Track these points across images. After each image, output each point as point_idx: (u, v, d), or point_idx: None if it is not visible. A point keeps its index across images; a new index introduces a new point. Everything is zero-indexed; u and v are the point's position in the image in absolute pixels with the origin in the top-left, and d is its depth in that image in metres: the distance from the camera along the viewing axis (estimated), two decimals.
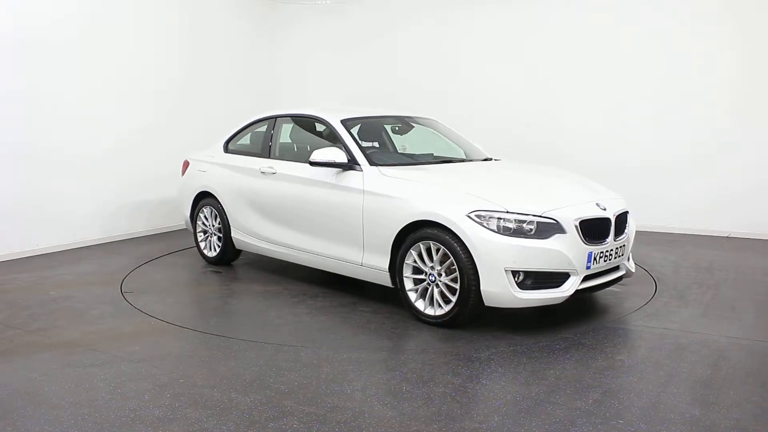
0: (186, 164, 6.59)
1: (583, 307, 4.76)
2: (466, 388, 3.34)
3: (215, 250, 6.19)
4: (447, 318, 4.22)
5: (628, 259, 4.77)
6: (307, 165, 5.03)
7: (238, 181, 5.82)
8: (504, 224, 4.02)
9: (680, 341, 4.02)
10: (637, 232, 7.71)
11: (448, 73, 9.05)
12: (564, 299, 4.11)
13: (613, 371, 3.56)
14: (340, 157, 4.84)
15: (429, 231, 4.23)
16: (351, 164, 4.85)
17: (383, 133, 5.96)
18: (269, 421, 2.97)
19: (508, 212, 4.05)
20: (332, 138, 5.28)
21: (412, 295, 4.40)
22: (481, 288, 4.04)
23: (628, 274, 4.71)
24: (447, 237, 4.12)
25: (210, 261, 6.27)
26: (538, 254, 4.00)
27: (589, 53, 8.18)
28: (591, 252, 4.17)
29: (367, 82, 9.55)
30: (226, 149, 6.24)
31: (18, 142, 6.46)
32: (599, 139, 8.23)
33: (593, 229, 4.22)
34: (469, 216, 4.06)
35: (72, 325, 4.42)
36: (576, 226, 4.11)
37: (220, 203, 6.01)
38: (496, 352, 3.85)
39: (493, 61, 8.78)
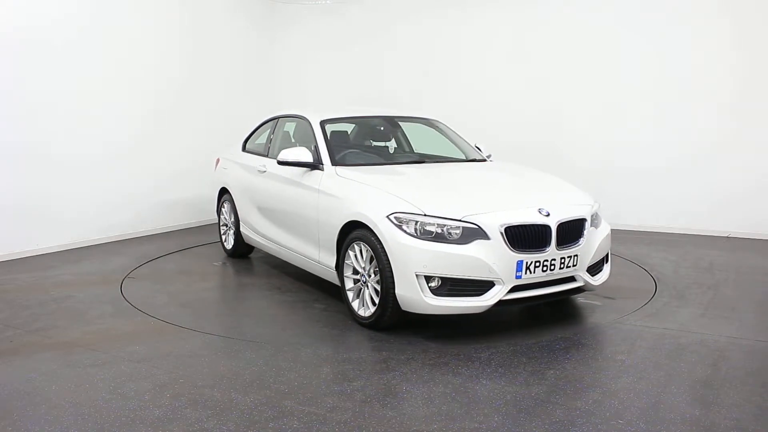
0: (217, 161, 6.97)
1: (582, 308, 4.76)
2: (466, 388, 3.34)
3: (231, 243, 6.54)
4: (372, 320, 4.20)
5: (600, 270, 4.51)
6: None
7: (246, 179, 6.07)
8: (423, 228, 3.91)
9: (680, 341, 4.02)
10: (637, 232, 7.76)
11: (447, 73, 9.05)
12: (484, 309, 3.92)
13: (613, 371, 3.56)
14: (305, 156, 4.95)
15: (359, 232, 4.24)
16: (316, 164, 4.96)
17: (374, 133, 6.01)
18: (269, 421, 2.97)
19: (425, 215, 3.94)
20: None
21: (350, 295, 4.42)
22: (396, 291, 3.97)
23: (588, 287, 4.36)
24: (372, 238, 4.10)
25: (228, 253, 6.63)
26: (453, 260, 3.83)
27: (590, 53, 8.18)
28: (521, 261, 3.91)
29: (366, 81, 9.54)
30: (244, 148, 6.56)
31: (18, 142, 6.45)
32: (599, 139, 8.23)
33: (526, 237, 3.95)
34: (388, 218, 4.01)
35: (72, 325, 4.42)
36: (501, 233, 3.88)
37: (233, 199, 6.30)
38: (496, 352, 3.85)
39: (493, 60, 8.78)
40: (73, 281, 5.63)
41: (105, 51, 7.28)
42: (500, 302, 3.93)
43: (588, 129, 8.28)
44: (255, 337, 4.19)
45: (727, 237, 7.48)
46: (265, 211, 5.69)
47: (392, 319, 4.13)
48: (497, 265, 3.86)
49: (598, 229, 4.48)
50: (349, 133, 5.93)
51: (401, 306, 4.00)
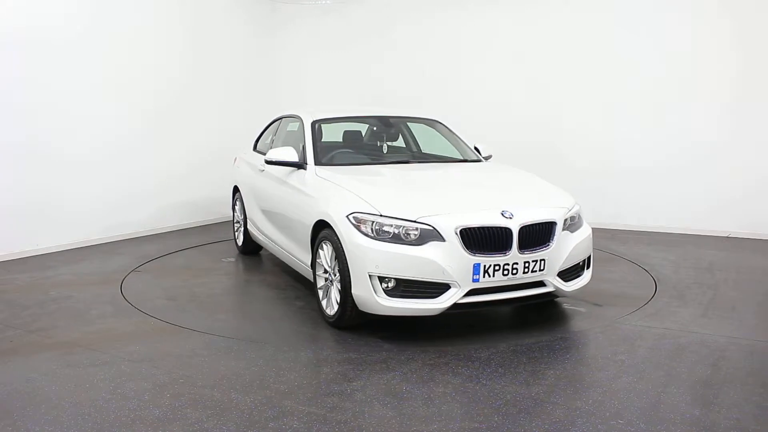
0: (235, 160, 7.09)
1: (582, 308, 4.76)
2: (466, 388, 3.34)
3: (241, 240, 6.68)
4: (335, 319, 4.23)
5: (577, 276, 4.36)
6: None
7: (251, 178, 6.19)
8: (381, 228, 3.90)
9: (680, 341, 4.02)
10: (637, 232, 7.76)
11: (447, 73, 9.05)
12: (439, 312, 3.87)
13: (613, 371, 3.56)
14: (291, 156, 5.00)
15: (326, 231, 4.27)
16: (301, 163, 5.01)
17: (368, 133, 6.05)
18: (269, 421, 2.97)
19: (381, 216, 3.93)
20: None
21: (320, 293, 4.45)
22: (352, 291, 3.98)
23: (560, 293, 4.22)
24: (335, 238, 4.12)
25: (239, 250, 6.78)
26: (406, 261, 3.80)
27: (590, 53, 8.18)
28: (478, 264, 3.83)
29: (366, 81, 9.54)
30: (255, 147, 6.68)
31: (18, 142, 6.45)
32: (599, 139, 8.23)
33: (483, 239, 3.86)
34: (347, 218, 4.03)
35: (72, 325, 4.42)
36: (456, 234, 3.82)
37: (242, 197, 6.47)
38: (496, 352, 3.85)
39: (493, 60, 8.78)
40: (73, 281, 5.62)
41: (105, 51, 7.28)
42: (456, 305, 3.87)
43: (588, 129, 8.28)
44: (255, 336, 4.19)
45: (727, 237, 7.48)
46: (264, 210, 5.80)
47: (353, 319, 4.14)
48: (452, 267, 3.80)
49: (575, 233, 4.32)
50: (355, 132, 6.01)
51: (358, 306, 4.02)
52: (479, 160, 5.54)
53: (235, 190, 6.81)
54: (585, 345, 3.97)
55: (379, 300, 3.87)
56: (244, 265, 6.30)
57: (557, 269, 4.10)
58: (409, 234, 3.86)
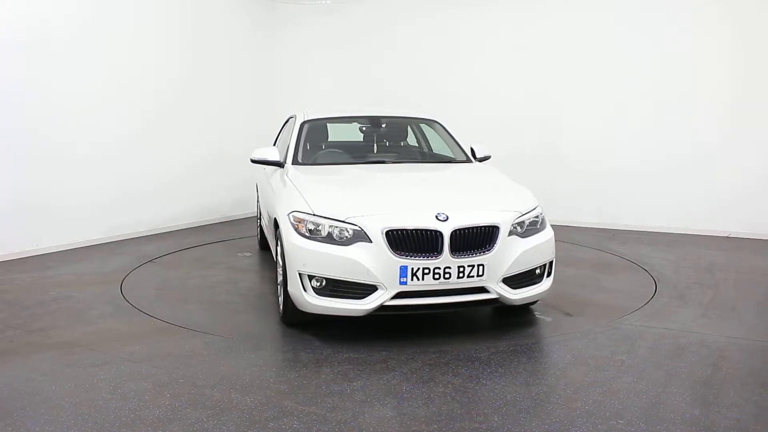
0: None
1: (582, 308, 4.76)
2: (466, 388, 3.34)
3: (258, 236, 6.98)
4: (281, 315, 4.33)
5: (533, 284, 4.15)
6: None
7: (261, 176, 6.34)
8: (315, 227, 3.94)
9: (680, 341, 4.02)
10: (637, 232, 7.76)
11: (447, 73, 9.05)
12: (365, 313, 3.83)
13: (613, 371, 3.56)
14: (273, 155, 5.15)
15: (279, 230, 4.34)
16: (281, 162, 5.16)
17: (364, 133, 6.09)
18: (269, 421, 2.97)
19: (314, 215, 3.97)
20: None
21: (279, 289, 4.50)
22: (287, 288, 4.08)
23: (504, 301, 4.00)
24: (282, 235, 4.20)
25: (259, 245, 7.02)
26: (331, 261, 3.81)
27: (590, 53, 8.19)
28: (406, 266, 3.75)
29: (366, 81, 9.54)
30: (274, 144, 6.80)
31: (18, 142, 6.46)
32: (599, 139, 8.23)
33: (412, 242, 3.78)
34: (288, 216, 4.11)
35: (72, 325, 4.42)
36: (383, 236, 3.77)
37: (258, 194, 6.80)
38: (496, 352, 3.85)
39: (493, 60, 8.78)
40: (73, 281, 5.62)
41: (105, 50, 7.29)
42: (383, 308, 3.82)
43: (588, 129, 8.29)
44: (255, 336, 4.19)
45: (727, 237, 7.48)
46: (264, 207, 6.05)
47: (295, 316, 4.21)
48: (377, 269, 3.76)
49: (529, 237, 4.09)
50: (352, 132, 6.09)
51: (294, 303, 4.07)
52: (469, 161, 5.42)
53: (257, 187, 7.11)
54: (585, 345, 3.97)
55: (308, 298, 3.92)
56: (260, 260, 6.43)
57: (500, 275, 3.92)
58: (342, 234, 3.88)
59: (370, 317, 3.97)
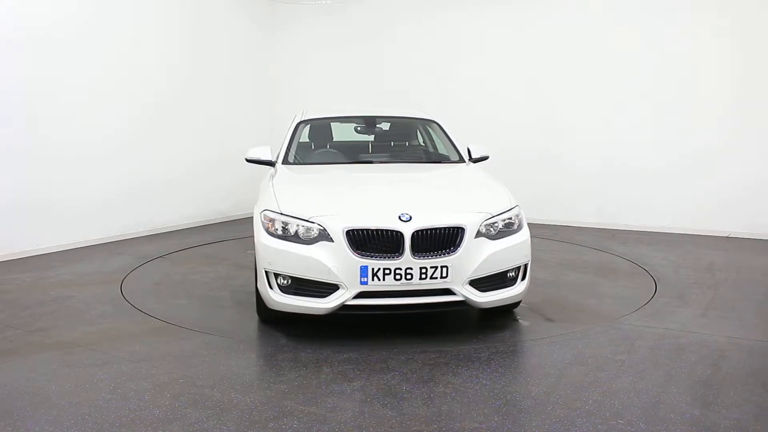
0: None
1: (582, 308, 4.76)
2: (466, 388, 3.34)
3: None
4: (257, 311, 4.41)
5: (504, 286, 4.05)
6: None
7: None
8: (283, 226, 3.98)
9: (680, 341, 4.02)
10: (637, 232, 7.76)
11: (447, 73, 9.06)
12: (327, 312, 3.85)
13: (613, 371, 3.56)
14: (265, 154, 5.18)
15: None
16: (273, 161, 5.19)
17: (356, 133, 6.11)
18: (269, 421, 2.97)
19: (281, 214, 4.03)
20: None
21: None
22: (257, 286, 4.14)
23: (471, 303, 3.91)
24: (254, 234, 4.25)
25: None
26: (294, 259, 3.86)
27: (590, 54, 8.19)
28: (366, 266, 3.73)
29: (366, 81, 9.55)
30: None
31: (18, 142, 6.46)
32: (599, 140, 8.23)
33: (373, 242, 3.77)
34: (260, 215, 4.18)
35: (72, 325, 4.42)
36: (344, 235, 3.77)
37: None
38: (496, 352, 3.85)
39: (493, 61, 8.78)
40: (73, 281, 5.62)
41: (105, 50, 7.29)
42: (346, 307, 3.83)
43: (588, 129, 8.29)
44: (255, 336, 4.19)
45: (727, 237, 7.48)
46: None
47: (267, 313, 4.25)
48: (338, 268, 3.77)
49: (500, 239, 4.01)
50: (348, 132, 6.06)
51: (263, 300, 4.13)
52: (463, 161, 5.36)
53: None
54: (585, 345, 3.97)
55: (273, 296, 3.98)
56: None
57: (466, 278, 3.86)
58: (308, 233, 3.91)
59: (334, 316, 4.00)
